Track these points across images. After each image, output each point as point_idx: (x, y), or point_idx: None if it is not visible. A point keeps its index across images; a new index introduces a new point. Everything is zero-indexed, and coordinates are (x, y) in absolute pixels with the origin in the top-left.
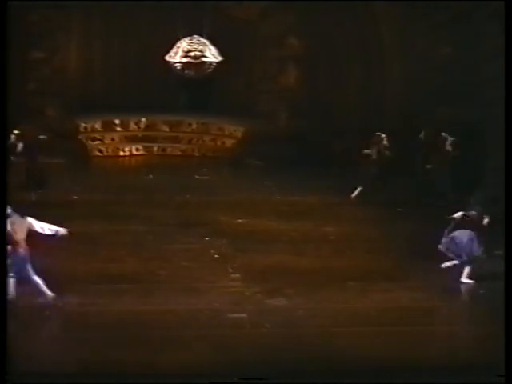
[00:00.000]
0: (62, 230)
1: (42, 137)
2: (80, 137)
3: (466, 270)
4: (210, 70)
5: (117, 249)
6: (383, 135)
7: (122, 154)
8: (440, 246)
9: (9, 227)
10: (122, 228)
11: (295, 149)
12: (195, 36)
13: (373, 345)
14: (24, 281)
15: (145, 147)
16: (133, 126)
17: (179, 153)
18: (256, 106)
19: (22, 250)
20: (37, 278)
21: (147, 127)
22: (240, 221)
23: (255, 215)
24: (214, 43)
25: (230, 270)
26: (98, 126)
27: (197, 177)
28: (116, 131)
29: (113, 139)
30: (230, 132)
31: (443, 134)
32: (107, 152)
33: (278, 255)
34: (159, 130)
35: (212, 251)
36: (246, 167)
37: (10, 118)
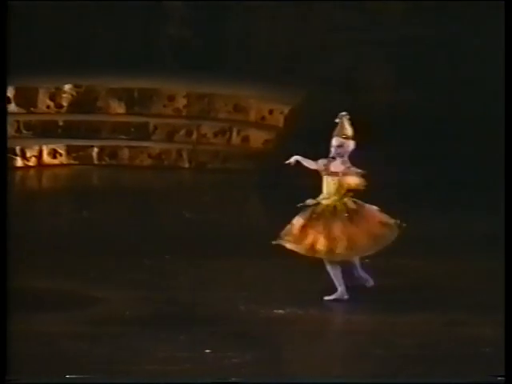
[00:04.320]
0: None
1: None
2: None
3: None
4: None
5: None
6: None
7: (20, 163)
8: None
9: None
10: None
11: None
12: None
13: None
14: None
15: (72, 149)
16: (46, 100)
17: (149, 162)
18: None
19: None
20: None
21: (80, 103)
22: None
23: None
24: None
25: None
26: None
27: (187, 216)
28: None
29: None
30: (264, 114)
31: None
32: None
33: None
34: (107, 109)
35: None
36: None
37: None
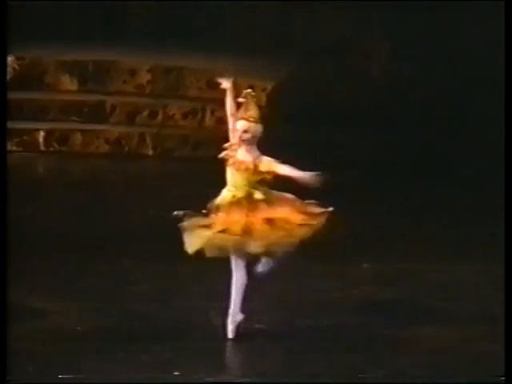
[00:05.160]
0: None
1: None
2: None
3: None
4: None
5: None
6: None
7: None
8: None
9: None
10: None
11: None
12: None
13: None
14: None
15: (15, 134)
16: None
17: (105, 148)
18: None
19: None
20: None
21: (23, 78)
22: None
23: None
24: None
25: None
26: None
27: (151, 212)
28: None
29: None
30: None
31: None
32: None
33: None
34: (56, 86)
35: None
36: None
37: None
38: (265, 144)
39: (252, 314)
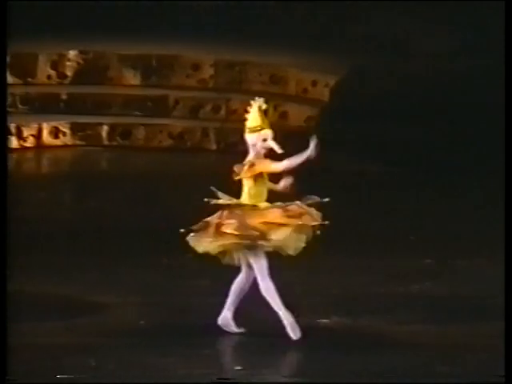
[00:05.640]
0: None
1: None
2: None
3: None
4: None
5: None
6: None
7: (15, 143)
8: None
9: None
10: None
11: None
12: None
13: None
14: None
15: (78, 128)
16: (47, 69)
17: (168, 143)
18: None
19: None
20: None
21: (87, 73)
22: None
23: None
24: None
25: None
26: None
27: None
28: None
29: None
30: (306, 86)
31: None
32: None
33: None
34: (119, 80)
35: None
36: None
37: None
38: (327, 139)
39: (314, 310)
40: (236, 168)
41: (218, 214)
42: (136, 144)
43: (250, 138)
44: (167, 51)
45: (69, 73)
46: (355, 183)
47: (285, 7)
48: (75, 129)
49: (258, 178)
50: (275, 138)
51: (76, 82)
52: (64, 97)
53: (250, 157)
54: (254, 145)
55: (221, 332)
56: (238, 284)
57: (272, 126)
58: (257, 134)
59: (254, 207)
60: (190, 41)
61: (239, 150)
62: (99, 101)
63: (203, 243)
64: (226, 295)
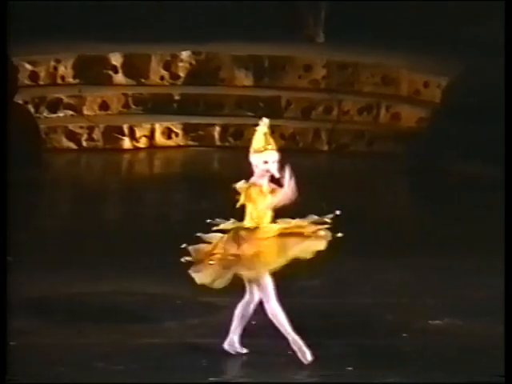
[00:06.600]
0: None
1: None
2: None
3: None
4: None
5: None
6: None
7: (127, 145)
8: None
9: None
10: None
11: None
12: None
13: None
14: None
15: (190, 128)
16: (160, 69)
17: (280, 144)
18: None
19: None
20: None
21: (199, 74)
22: None
23: None
24: None
25: None
26: (66, 67)
27: (325, 207)
28: (113, 84)
29: (103, 106)
30: (418, 87)
31: None
32: (91, 141)
33: None
34: (231, 81)
35: None
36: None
37: None
38: (437, 141)
39: (426, 309)
40: (238, 186)
41: (218, 239)
42: (248, 145)
43: (253, 158)
44: (279, 52)
45: (181, 74)
46: (468, 185)
47: (397, 7)
48: (187, 129)
49: (256, 199)
50: (386, 140)
51: (188, 83)
52: (177, 97)
53: (253, 178)
54: (257, 166)
55: (332, 332)
56: (243, 307)
57: (383, 127)
58: (259, 154)
59: (256, 229)
60: (302, 41)
61: (351, 151)
62: (211, 101)
63: (198, 275)
64: (336, 295)
